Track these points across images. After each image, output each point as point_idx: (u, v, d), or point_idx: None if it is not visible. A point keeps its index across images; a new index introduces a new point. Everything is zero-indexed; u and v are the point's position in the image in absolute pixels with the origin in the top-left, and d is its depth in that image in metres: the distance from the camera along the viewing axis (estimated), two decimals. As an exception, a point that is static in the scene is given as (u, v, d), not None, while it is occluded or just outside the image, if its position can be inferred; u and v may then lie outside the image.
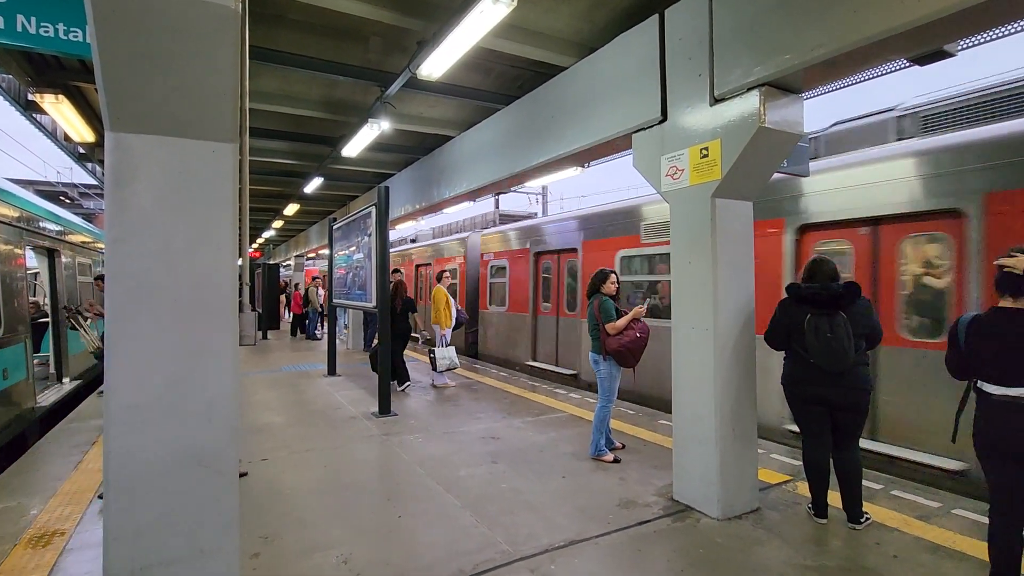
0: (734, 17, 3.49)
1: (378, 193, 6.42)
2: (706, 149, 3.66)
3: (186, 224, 2.17)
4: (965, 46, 3.76)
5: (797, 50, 3.13)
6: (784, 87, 3.44)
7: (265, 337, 14.56)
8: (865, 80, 4.61)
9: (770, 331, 3.57)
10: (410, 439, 5.28)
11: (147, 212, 2.11)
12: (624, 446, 4.94)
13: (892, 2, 2.68)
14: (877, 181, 4.87)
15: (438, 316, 7.88)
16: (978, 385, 2.59)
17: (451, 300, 7.96)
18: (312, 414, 6.31)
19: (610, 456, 4.60)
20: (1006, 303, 2.54)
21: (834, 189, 5.20)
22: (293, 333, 15.56)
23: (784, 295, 3.58)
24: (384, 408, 6.21)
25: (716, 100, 3.62)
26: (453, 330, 8.02)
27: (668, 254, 6.27)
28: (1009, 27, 3.62)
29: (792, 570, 2.92)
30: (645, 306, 4.63)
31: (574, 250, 8.57)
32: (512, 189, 10.34)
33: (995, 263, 2.62)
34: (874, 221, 4.93)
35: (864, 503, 3.44)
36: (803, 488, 3.80)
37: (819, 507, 3.49)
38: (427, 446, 5.07)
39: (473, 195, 7.89)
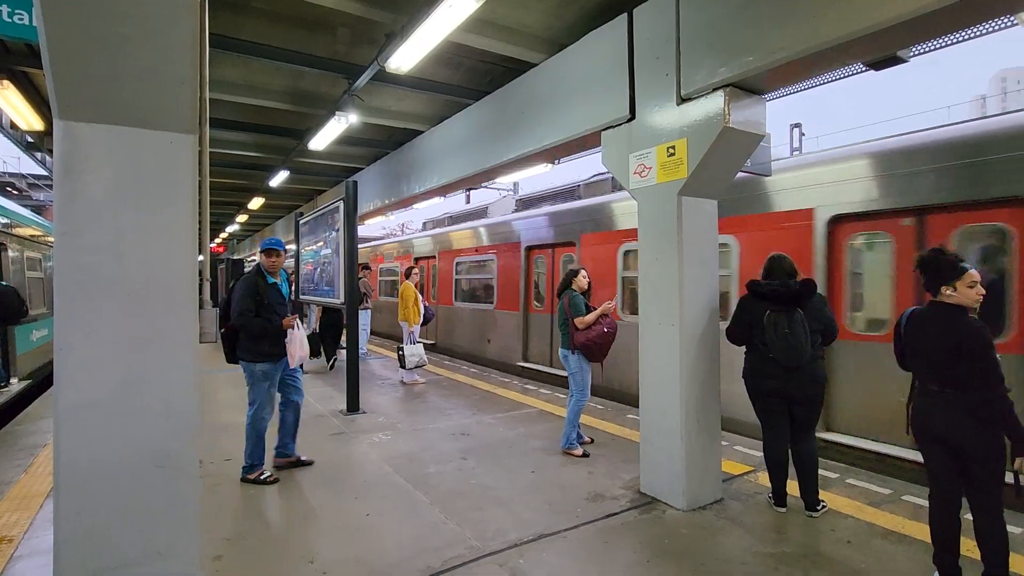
0: (700, 18, 3.55)
1: (346, 188, 6.32)
2: (673, 148, 3.72)
3: (142, 217, 2.10)
4: (917, 52, 3.92)
5: (760, 52, 3.21)
6: (748, 88, 3.52)
7: (229, 334, 14.18)
8: (825, 83, 4.77)
9: (732, 327, 3.67)
10: (378, 437, 5.23)
11: (99, 204, 2.02)
12: (593, 440, 5.00)
13: (849, 8, 2.77)
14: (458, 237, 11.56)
15: (406, 313, 7.81)
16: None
17: (419, 297, 7.90)
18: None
19: (579, 450, 4.65)
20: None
21: (422, 243, 13.28)
22: None
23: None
24: (352, 406, 6.13)
25: (683, 100, 3.69)
26: (422, 326, 7.96)
27: (395, 268, 15.08)
28: (958, 35, 3.80)
29: (753, 558, 3.01)
30: (614, 303, 4.68)
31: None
32: (483, 185, 10.30)
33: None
34: (430, 257, 12.56)
35: (821, 491, 3.57)
36: (764, 478, 3.92)
37: (779, 496, 3.61)
38: (396, 443, 5.03)
39: (443, 191, 7.85)
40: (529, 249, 9.17)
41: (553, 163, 6.33)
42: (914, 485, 3.90)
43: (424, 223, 16.14)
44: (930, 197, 4.36)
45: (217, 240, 24.93)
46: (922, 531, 3.15)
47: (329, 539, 3.21)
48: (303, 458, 4.50)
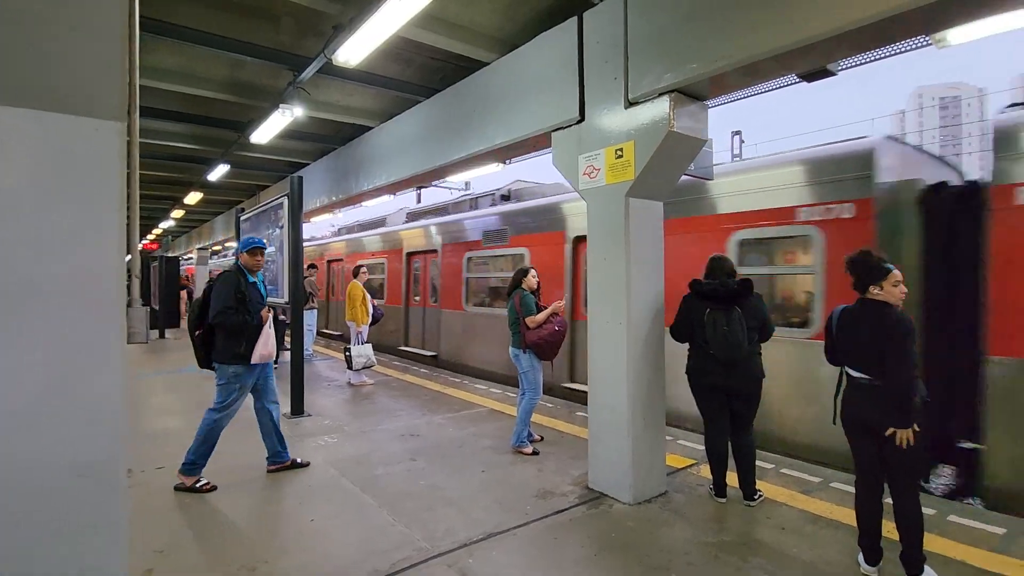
0: (647, 25, 3.65)
1: (291, 183, 6.10)
2: (621, 150, 3.81)
3: (63, 210, 1.94)
4: (845, 66, 4.18)
5: (702, 60, 3.33)
6: (691, 94, 3.64)
7: (163, 336, 13.41)
8: (761, 92, 5.00)
9: (675, 325, 3.80)
10: (324, 440, 5.08)
11: (13, 196, 1.86)
12: (543, 438, 5.05)
13: (784, 22, 2.93)
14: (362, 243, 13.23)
15: (354, 313, 7.63)
16: (845, 369, 2.92)
17: (367, 296, 7.73)
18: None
19: (529, 448, 4.69)
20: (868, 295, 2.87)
21: (333, 247, 15.04)
22: None
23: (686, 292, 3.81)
24: (296, 408, 5.93)
25: (630, 103, 3.78)
26: (370, 326, 7.80)
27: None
28: (880, 51, 4.06)
29: (694, 548, 3.12)
30: (563, 302, 4.75)
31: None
32: (433, 184, 10.20)
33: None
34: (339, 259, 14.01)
35: (757, 481, 3.75)
36: (706, 471, 4.08)
37: (719, 488, 3.76)
38: (342, 446, 4.91)
39: (393, 188, 7.71)
40: (409, 255, 11.16)
41: (504, 163, 6.34)
42: (841, 472, 4.15)
43: (339, 229, 17.69)
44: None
45: (150, 236, 23.55)
46: (848, 516, 3.36)
47: (271, 546, 3.09)
48: (299, 460, 4.37)
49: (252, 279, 4.11)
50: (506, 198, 10.16)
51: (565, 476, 4.18)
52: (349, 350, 7.41)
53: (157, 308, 14.13)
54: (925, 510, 2.79)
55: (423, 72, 6.04)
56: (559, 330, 4.58)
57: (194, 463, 3.89)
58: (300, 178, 6.19)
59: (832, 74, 3.74)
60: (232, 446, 4.79)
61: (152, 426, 5.45)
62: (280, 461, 4.26)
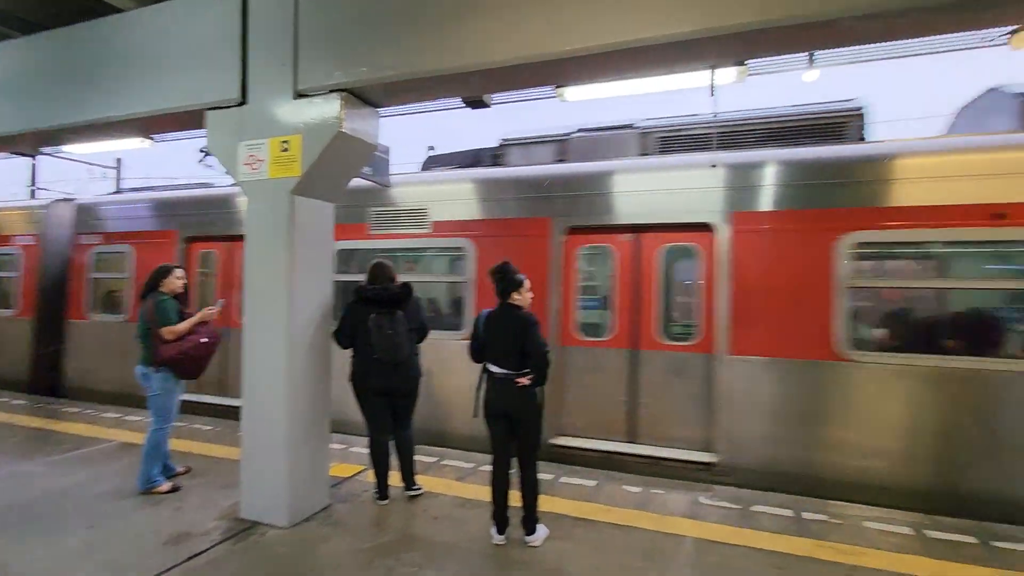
0: (320, 18, 3.50)
1: None
2: (287, 143, 3.53)
3: None
4: (498, 100, 4.81)
5: (372, 67, 3.36)
6: (363, 98, 3.62)
7: None
8: (435, 111, 5.39)
9: (338, 330, 3.71)
10: None
11: None
12: (189, 469, 4.26)
13: (442, 49, 3.19)
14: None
15: None
16: (487, 366, 3.31)
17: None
18: None
19: (167, 485, 3.87)
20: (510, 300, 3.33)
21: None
22: None
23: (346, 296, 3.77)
24: None
25: (299, 95, 3.55)
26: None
27: None
28: (532, 91, 4.82)
29: (351, 557, 3.05)
30: (217, 308, 4.09)
31: None
32: (45, 151, 7.63)
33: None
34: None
35: (420, 476, 3.93)
36: (372, 475, 4.07)
37: (382, 489, 3.80)
38: None
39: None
40: None
41: (148, 139, 5.19)
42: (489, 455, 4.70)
43: None
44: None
45: None
46: (489, 494, 3.81)
47: None
48: None
49: None
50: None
51: (211, 511, 3.59)
52: None
53: None
54: (543, 476, 3.36)
55: (20, -1, 4.49)
56: (207, 342, 3.90)
57: None
58: None
59: (487, 105, 4.24)
60: None
61: None
62: None
